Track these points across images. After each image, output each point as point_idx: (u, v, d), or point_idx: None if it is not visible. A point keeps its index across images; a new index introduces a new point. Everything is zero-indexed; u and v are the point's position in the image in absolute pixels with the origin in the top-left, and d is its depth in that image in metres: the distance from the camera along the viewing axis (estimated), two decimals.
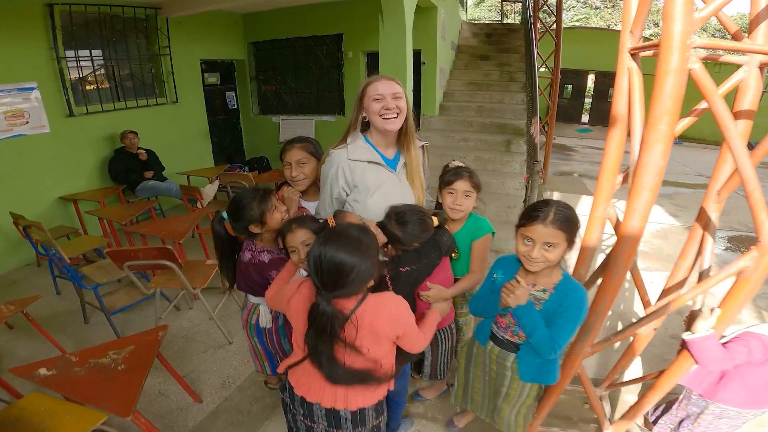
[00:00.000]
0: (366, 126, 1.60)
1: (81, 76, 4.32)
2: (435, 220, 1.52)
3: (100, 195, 4.12)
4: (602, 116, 13.16)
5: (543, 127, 6.46)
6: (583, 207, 5.49)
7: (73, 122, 4.18)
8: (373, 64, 5.74)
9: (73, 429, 1.50)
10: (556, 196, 5.88)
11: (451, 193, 1.68)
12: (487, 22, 9.53)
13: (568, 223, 1.25)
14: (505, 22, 10.44)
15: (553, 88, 6.08)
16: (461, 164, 1.74)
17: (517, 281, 1.34)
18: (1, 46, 3.59)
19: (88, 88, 4.42)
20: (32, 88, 3.84)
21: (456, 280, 1.72)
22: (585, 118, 13.84)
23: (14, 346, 2.67)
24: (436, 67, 5.41)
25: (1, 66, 3.60)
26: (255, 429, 1.98)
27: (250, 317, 1.75)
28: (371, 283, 1.17)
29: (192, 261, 2.88)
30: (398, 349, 1.37)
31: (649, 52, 1.23)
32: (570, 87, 13.31)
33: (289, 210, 1.66)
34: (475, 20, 8.90)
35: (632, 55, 1.31)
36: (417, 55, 5.34)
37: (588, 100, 14.11)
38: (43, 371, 1.65)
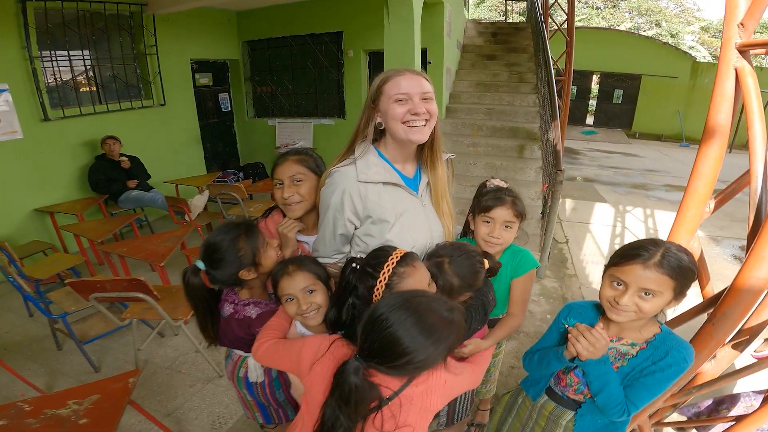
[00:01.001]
0: (377, 135, 1.24)
1: (57, 77, 3.96)
2: (486, 263, 1.21)
3: (79, 207, 3.76)
4: (607, 118, 12.89)
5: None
6: (597, 215, 5.16)
7: (48, 127, 3.82)
8: (375, 64, 5.41)
9: None
10: (568, 203, 5.56)
11: (488, 222, 1.34)
12: (491, 21, 9.23)
13: (682, 271, 0.94)
14: (508, 21, 10.15)
15: (565, 90, 5.78)
16: (503, 184, 1.40)
17: (597, 330, 1.03)
18: None
19: (65, 90, 4.06)
20: (2, 90, 3.48)
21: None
22: (589, 120, 13.55)
23: None
24: (442, 66, 5.07)
25: None
26: None
27: (236, 370, 1.40)
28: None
29: (176, 287, 2.53)
30: None
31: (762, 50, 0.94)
32: (574, 88, 13.02)
33: (285, 248, 1.30)
34: (478, 20, 8.58)
35: (741, 52, 0.99)
36: (422, 54, 5.01)
37: (592, 102, 13.84)
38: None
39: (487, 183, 1.42)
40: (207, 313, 1.26)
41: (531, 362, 1.25)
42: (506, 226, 1.34)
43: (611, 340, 1.08)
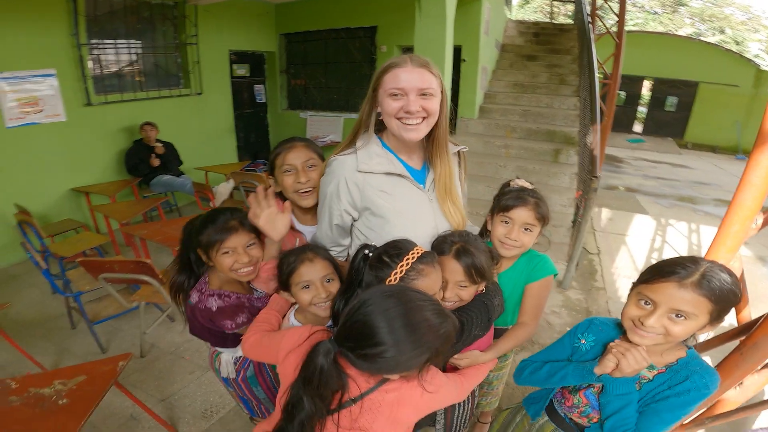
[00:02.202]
0: (382, 124, 1.16)
1: (102, 64, 4.14)
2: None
3: (112, 188, 3.92)
4: (657, 126, 12.12)
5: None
6: (635, 227, 4.82)
7: (91, 111, 4.00)
8: None
9: None
10: (604, 213, 5.23)
11: (506, 222, 1.24)
12: (534, 21, 8.88)
13: (723, 294, 0.83)
14: (554, 22, 9.73)
15: (610, 94, 5.44)
16: (527, 185, 1.29)
17: (643, 350, 0.92)
18: (20, 32, 3.43)
19: (109, 77, 4.24)
20: (50, 75, 3.67)
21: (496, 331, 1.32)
22: (637, 127, 12.80)
23: None
24: (477, 65, 4.90)
25: (18, 52, 3.44)
26: None
27: (213, 361, 1.37)
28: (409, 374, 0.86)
29: None
30: None
31: None
32: (623, 94, 12.33)
33: (268, 246, 1.22)
34: (520, 21, 8.23)
35: None
36: (456, 51, 4.87)
37: (642, 109, 13.07)
38: None
39: (511, 183, 1.31)
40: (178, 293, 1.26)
41: (535, 374, 1.13)
42: (526, 229, 1.23)
43: None
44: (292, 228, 1.33)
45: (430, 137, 1.14)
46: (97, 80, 4.07)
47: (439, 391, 0.93)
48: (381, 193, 1.12)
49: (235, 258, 1.13)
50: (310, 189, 1.27)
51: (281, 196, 1.37)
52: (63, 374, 1.52)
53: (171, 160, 4.25)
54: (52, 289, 3.04)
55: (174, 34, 4.69)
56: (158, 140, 4.20)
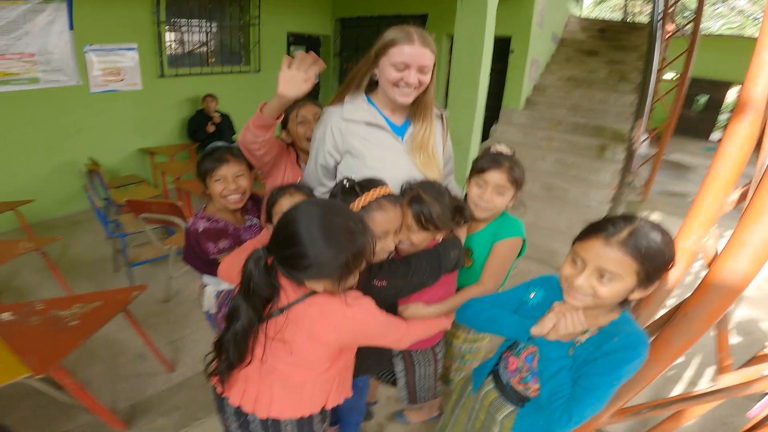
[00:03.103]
0: (371, 86, 1.29)
1: (176, 40, 4.63)
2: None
3: (173, 150, 4.41)
4: None
5: (656, 137, 5.45)
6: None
7: (163, 82, 4.51)
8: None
9: None
10: (653, 217, 4.90)
11: (480, 186, 1.28)
12: (601, 18, 8.27)
13: (650, 254, 0.80)
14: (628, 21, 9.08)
15: (677, 96, 5.05)
16: (505, 150, 1.32)
17: (581, 315, 0.90)
18: (110, 9, 3.95)
19: (181, 52, 4.73)
20: (132, 49, 4.19)
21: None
22: (716, 135, 11.61)
23: (41, 283, 2.83)
24: (527, 57, 4.81)
25: (107, 27, 3.96)
26: (211, 412, 1.79)
27: (199, 296, 1.54)
28: (329, 285, 0.90)
29: None
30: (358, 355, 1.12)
31: None
32: (703, 99, 11.24)
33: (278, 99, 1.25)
34: (585, 17, 7.74)
35: None
36: (505, 42, 4.81)
37: (724, 117, 11.82)
38: (5, 315, 1.63)
39: (491, 148, 1.35)
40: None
41: (476, 315, 1.12)
42: (498, 192, 1.27)
43: None
44: (296, 166, 1.53)
45: (416, 100, 1.26)
46: (170, 54, 4.56)
47: (364, 315, 0.95)
48: (361, 139, 1.25)
49: (224, 185, 1.32)
50: None
51: (293, 146, 1.58)
52: (83, 299, 1.76)
53: (225, 130, 4.66)
54: (106, 235, 3.47)
55: (239, 15, 5.11)
56: (217, 111, 4.63)
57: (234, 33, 5.13)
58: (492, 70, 4.98)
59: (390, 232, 1.08)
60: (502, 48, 4.89)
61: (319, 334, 0.92)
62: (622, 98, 4.96)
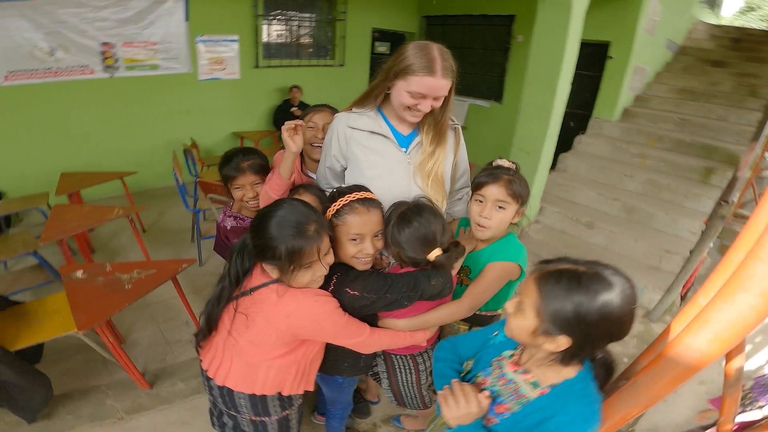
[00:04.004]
0: (385, 98, 1.27)
1: (271, 33, 5.01)
2: (434, 253, 1.09)
3: (259, 135, 4.80)
4: None
5: None
6: None
7: (257, 72, 4.93)
8: None
9: (49, 331, 1.71)
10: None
11: (480, 202, 1.23)
12: (738, 27, 6.96)
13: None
14: None
15: None
16: (507, 164, 1.24)
17: (473, 392, 0.84)
18: (214, 3, 4.39)
19: (274, 44, 5.11)
20: (234, 41, 4.64)
21: None
22: None
23: (131, 246, 3.25)
24: (627, 64, 4.31)
25: (214, 19, 4.43)
26: None
27: None
28: (280, 273, 1.00)
29: None
30: (335, 354, 1.20)
31: None
32: None
33: (288, 152, 1.32)
34: (718, 24, 6.55)
35: None
36: (602, 47, 4.39)
37: None
38: (78, 273, 1.90)
39: (493, 162, 1.27)
40: None
41: (436, 362, 1.08)
42: (499, 207, 1.20)
43: (516, 371, 0.87)
44: (303, 177, 1.57)
45: (428, 117, 1.24)
46: (265, 46, 4.95)
47: (315, 309, 1.01)
48: (362, 147, 1.26)
49: (243, 192, 1.44)
50: (322, 145, 1.47)
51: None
52: (142, 266, 1.98)
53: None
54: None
55: (328, 10, 5.35)
56: (301, 101, 4.94)
57: (322, 27, 5.39)
58: (582, 76, 4.62)
59: (366, 235, 1.10)
60: (598, 53, 4.47)
61: (273, 318, 1.01)
62: (746, 116, 4.20)
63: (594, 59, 4.54)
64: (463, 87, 5.86)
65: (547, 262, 0.78)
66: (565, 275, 0.73)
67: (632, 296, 0.71)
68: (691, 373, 0.64)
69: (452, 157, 1.34)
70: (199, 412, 1.87)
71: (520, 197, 1.20)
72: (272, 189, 1.32)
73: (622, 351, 2.43)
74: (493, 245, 1.27)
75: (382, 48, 6.18)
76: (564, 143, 4.44)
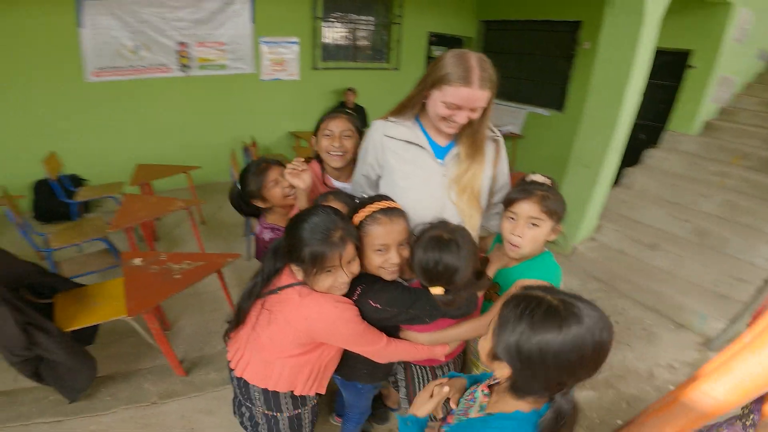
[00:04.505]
0: (423, 107, 1.23)
1: (328, 35, 5.13)
2: (434, 290, 1.05)
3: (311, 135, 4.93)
4: None
5: None
6: None
7: (315, 74, 5.09)
8: None
9: (103, 314, 1.84)
10: None
11: (512, 219, 1.16)
12: None
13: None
14: None
15: None
16: (541, 179, 1.17)
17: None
18: (280, 4, 4.59)
19: (332, 46, 5.22)
20: (294, 43, 4.82)
21: None
22: None
23: (187, 237, 3.44)
24: (711, 74, 3.89)
25: (276, 21, 4.63)
26: None
27: None
28: (303, 275, 1.03)
29: None
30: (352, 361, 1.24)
31: None
32: None
33: (299, 189, 1.36)
34: None
35: None
36: (681, 55, 4.02)
37: None
38: (136, 261, 2.03)
39: (526, 177, 1.19)
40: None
41: None
42: (532, 224, 1.12)
43: (483, 392, 0.86)
44: (327, 185, 1.55)
45: (465, 129, 1.19)
46: (323, 48, 5.08)
47: (334, 313, 1.02)
48: (396, 156, 1.24)
49: (280, 186, 1.44)
50: (340, 153, 1.45)
51: (318, 158, 1.58)
52: (192, 257, 2.09)
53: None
54: None
55: (384, 14, 5.38)
56: (355, 104, 5.01)
57: (378, 30, 5.44)
58: (657, 85, 4.25)
59: (390, 245, 1.08)
60: (676, 62, 4.10)
61: (293, 318, 1.04)
62: None
63: (671, 68, 4.17)
64: (522, 94, 5.65)
65: (530, 287, 0.74)
66: (524, 302, 0.69)
67: (588, 343, 0.64)
68: (703, 420, 0.61)
69: (491, 170, 1.28)
70: (224, 401, 1.93)
71: (556, 214, 1.13)
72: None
73: (669, 378, 2.22)
74: (525, 263, 1.20)
75: (438, 52, 6.09)
76: (631, 157, 4.11)
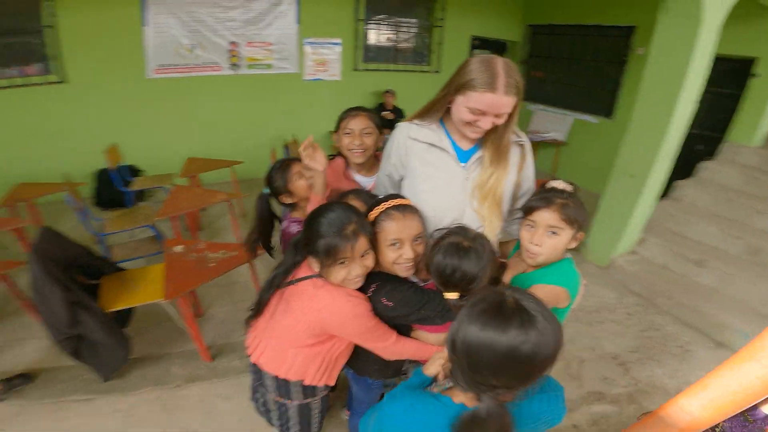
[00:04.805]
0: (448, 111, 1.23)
1: (370, 37, 5.20)
2: (450, 295, 1.05)
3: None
4: None
5: None
6: None
7: (356, 75, 5.18)
8: None
9: (141, 297, 1.95)
10: None
11: (530, 227, 1.14)
12: None
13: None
14: None
15: None
16: (563, 185, 1.14)
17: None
18: (325, 6, 4.71)
19: (373, 48, 5.28)
20: (337, 44, 4.93)
21: None
22: None
23: (228, 228, 3.57)
24: None
25: (319, 23, 4.76)
26: None
27: None
28: (318, 267, 1.08)
29: None
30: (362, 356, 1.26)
31: None
32: None
33: (316, 172, 1.37)
34: None
35: None
36: (745, 63, 3.74)
37: None
38: (178, 248, 2.16)
39: (546, 184, 1.16)
40: (263, 230, 1.62)
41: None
42: (552, 232, 1.10)
43: None
44: (349, 179, 1.60)
45: (490, 133, 1.18)
46: (364, 50, 5.16)
47: (340, 305, 1.06)
48: (419, 158, 1.24)
49: (303, 179, 1.49)
50: (361, 150, 1.51)
51: (340, 154, 1.65)
52: (228, 248, 2.20)
53: (395, 123, 5.07)
54: None
55: (426, 17, 5.38)
56: (394, 106, 5.06)
57: (419, 34, 5.44)
58: (716, 94, 3.97)
59: (404, 240, 1.11)
60: (739, 69, 3.83)
61: (307, 309, 1.09)
62: None
63: (734, 76, 3.89)
64: (569, 100, 5.45)
65: (509, 287, 0.78)
66: (485, 295, 0.69)
67: (525, 351, 0.61)
68: None
69: (515, 175, 1.27)
70: (242, 388, 2.00)
71: (576, 222, 1.09)
72: (312, 207, 1.36)
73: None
74: (544, 268, 1.17)
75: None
76: (684, 169, 3.88)
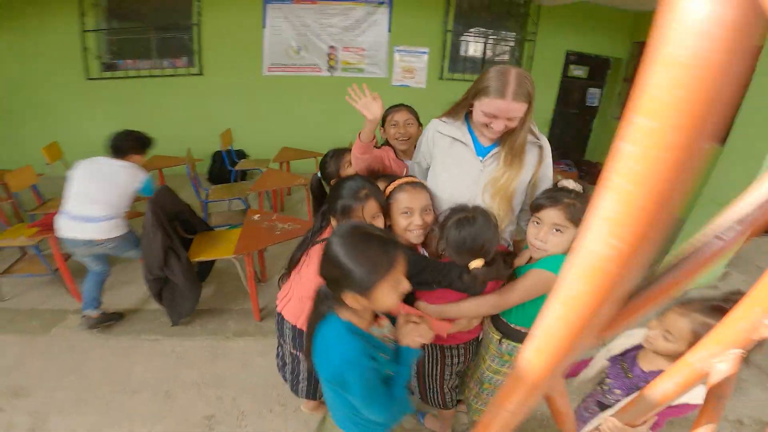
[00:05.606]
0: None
1: (458, 48, 5.35)
2: (475, 263, 1.17)
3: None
4: None
5: None
6: None
7: (440, 84, 5.37)
8: None
9: (217, 252, 2.31)
10: None
11: (537, 224, 1.22)
12: None
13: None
14: None
15: None
16: (572, 185, 1.21)
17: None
18: (414, 16, 4.98)
19: (459, 58, 5.41)
20: (424, 53, 5.19)
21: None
22: None
23: (303, 210, 4.04)
24: None
25: (409, 32, 5.05)
26: None
27: None
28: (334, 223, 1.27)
29: None
30: None
31: None
32: None
33: (367, 120, 1.49)
34: None
35: None
36: None
37: None
38: (255, 217, 2.55)
39: (557, 183, 1.23)
40: (316, 205, 1.79)
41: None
42: (556, 230, 1.17)
43: None
44: (396, 161, 1.81)
45: (507, 134, 1.32)
46: (451, 60, 5.33)
47: None
48: (442, 149, 1.42)
49: (353, 167, 1.68)
50: (405, 138, 1.80)
51: (387, 143, 1.94)
52: (294, 221, 2.53)
53: None
54: None
55: (518, 30, 5.34)
56: None
57: (510, 47, 5.42)
58: None
59: (414, 209, 1.29)
60: None
61: (310, 274, 1.25)
62: None
63: None
64: None
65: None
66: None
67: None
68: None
69: (530, 175, 1.37)
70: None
71: (580, 222, 1.15)
72: (356, 149, 1.49)
73: None
74: (546, 258, 1.22)
75: (579, 72, 5.77)
76: None
